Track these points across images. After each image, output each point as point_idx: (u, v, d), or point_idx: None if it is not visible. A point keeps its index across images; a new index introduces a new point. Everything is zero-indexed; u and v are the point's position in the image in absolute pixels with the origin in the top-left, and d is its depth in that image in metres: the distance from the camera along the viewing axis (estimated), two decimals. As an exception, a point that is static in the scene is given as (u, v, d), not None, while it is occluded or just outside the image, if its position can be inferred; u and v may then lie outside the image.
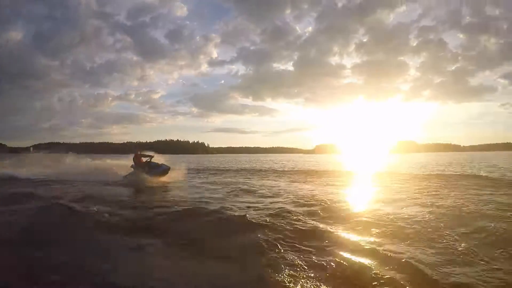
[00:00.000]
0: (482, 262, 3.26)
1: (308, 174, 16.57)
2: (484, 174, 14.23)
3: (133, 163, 11.96)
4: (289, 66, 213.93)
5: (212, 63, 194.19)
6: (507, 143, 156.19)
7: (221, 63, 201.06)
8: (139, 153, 12.09)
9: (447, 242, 3.88)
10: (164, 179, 11.60)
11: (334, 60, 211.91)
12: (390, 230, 4.46)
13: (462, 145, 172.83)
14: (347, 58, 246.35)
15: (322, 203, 6.60)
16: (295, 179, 13.36)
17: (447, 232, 4.25)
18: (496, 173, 14.73)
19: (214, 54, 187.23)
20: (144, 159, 11.89)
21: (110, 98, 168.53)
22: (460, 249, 3.62)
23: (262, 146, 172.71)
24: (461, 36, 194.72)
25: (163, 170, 11.55)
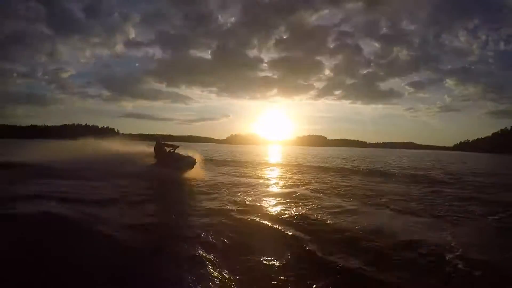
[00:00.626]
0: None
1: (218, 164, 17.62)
2: (348, 167, 18.14)
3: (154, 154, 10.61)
4: (207, 54, 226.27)
5: (129, 44, 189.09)
6: (409, 142, 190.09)
7: (138, 44, 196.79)
8: (161, 142, 10.66)
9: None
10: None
11: (253, 53, 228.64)
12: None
13: (368, 142, 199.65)
14: (265, 53, 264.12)
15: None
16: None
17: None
18: (366, 166, 19.16)
19: (132, 34, 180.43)
20: (167, 149, 10.44)
21: (15, 74, 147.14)
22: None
23: (175, 134, 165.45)
24: (376, 44, 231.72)
25: (189, 162, 10.31)
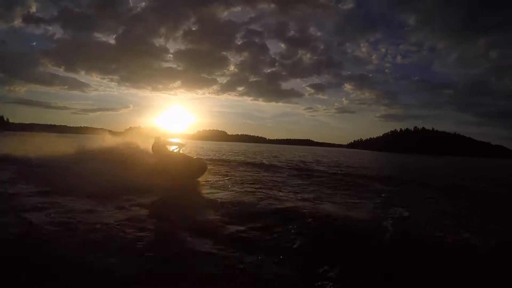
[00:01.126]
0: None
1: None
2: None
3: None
4: (111, 39, 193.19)
5: (28, 18, 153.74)
6: (307, 139, 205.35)
7: (38, 21, 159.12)
8: (160, 139, 8.28)
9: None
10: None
11: (159, 42, 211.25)
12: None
13: (268, 138, 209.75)
14: (172, 43, 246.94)
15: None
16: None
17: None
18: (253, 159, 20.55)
19: (33, 8, 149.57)
20: (168, 149, 8.34)
21: None
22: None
23: (70, 125, 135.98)
24: (282, 45, 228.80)
25: (200, 167, 8.25)
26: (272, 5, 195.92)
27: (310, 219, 4.70)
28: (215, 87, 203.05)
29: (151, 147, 8.38)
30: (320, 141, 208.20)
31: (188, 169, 7.87)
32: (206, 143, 70.07)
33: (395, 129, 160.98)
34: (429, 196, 8.11)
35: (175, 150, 8.53)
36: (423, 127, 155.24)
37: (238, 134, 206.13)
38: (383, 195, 7.74)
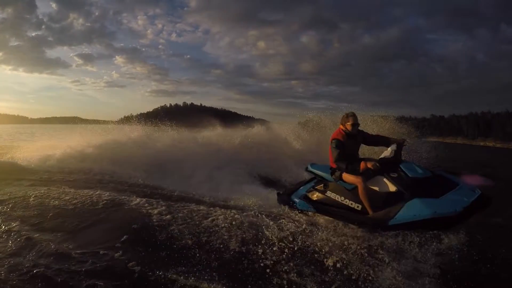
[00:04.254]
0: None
1: None
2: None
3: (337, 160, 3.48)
4: None
5: None
6: (75, 116, 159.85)
7: None
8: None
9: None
10: None
11: None
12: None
13: (30, 117, 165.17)
14: None
15: None
16: None
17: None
18: None
19: None
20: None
21: None
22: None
23: None
24: (53, 5, 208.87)
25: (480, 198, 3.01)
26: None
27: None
28: None
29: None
30: (90, 118, 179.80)
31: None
32: None
33: (165, 104, 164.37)
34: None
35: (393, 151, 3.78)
36: (191, 103, 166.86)
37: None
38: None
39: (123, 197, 4.12)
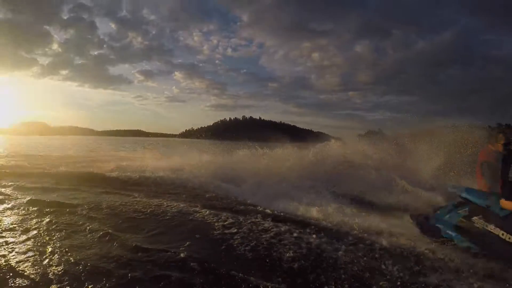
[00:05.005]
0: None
1: None
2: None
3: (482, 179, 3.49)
4: None
5: None
6: (137, 129, 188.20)
7: None
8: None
9: None
10: None
11: None
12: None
13: (96, 130, 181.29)
14: None
15: None
16: None
17: None
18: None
19: None
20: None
21: None
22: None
23: None
24: (112, 25, 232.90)
25: None
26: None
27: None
28: (35, 69, 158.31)
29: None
30: (152, 131, 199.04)
31: None
32: (25, 138, 47.57)
33: (225, 118, 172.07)
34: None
35: None
36: (250, 116, 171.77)
37: (62, 126, 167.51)
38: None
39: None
